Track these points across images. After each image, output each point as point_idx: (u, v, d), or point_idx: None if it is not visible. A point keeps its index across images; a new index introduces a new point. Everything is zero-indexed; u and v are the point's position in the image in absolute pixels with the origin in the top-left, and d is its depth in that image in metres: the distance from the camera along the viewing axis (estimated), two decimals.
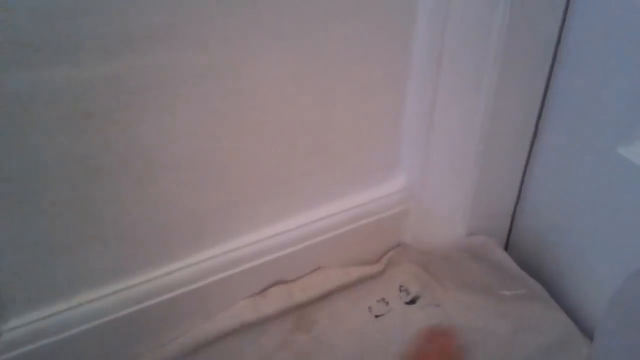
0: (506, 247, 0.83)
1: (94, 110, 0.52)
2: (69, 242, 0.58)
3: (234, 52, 0.56)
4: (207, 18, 0.52)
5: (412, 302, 0.77)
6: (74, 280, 0.60)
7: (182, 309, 0.67)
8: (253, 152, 0.64)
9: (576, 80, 0.65)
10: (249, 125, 0.62)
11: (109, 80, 0.51)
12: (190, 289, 0.66)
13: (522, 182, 0.77)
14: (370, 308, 0.76)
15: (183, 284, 0.65)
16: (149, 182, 0.59)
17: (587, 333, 0.69)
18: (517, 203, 0.79)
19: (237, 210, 0.67)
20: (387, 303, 0.77)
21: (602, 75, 0.62)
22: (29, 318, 0.59)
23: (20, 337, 0.58)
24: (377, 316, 0.75)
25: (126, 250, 0.62)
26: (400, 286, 0.79)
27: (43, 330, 0.59)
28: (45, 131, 0.51)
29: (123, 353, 0.65)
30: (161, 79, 0.53)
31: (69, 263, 0.59)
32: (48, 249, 0.57)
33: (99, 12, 0.47)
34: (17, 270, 0.56)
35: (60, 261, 0.58)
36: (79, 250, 0.59)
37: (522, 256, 0.80)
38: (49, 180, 0.53)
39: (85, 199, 0.56)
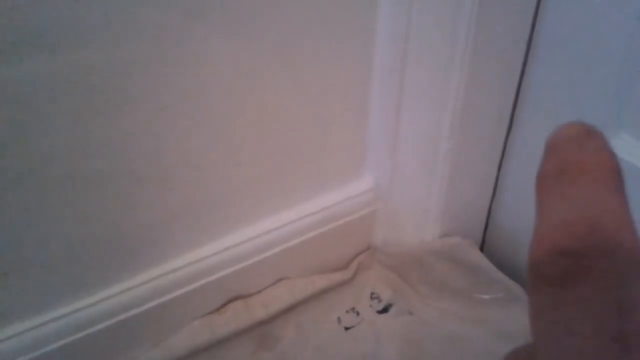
0: (482, 248, 0.79)
1: (19, 114, 0.44)
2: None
3: (190, 49, 0.49)
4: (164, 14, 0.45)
5: (385, 310, 0.72)
6: (5, 310, 0.53)
7: (127, 336, 0.60)
8: (203, 155, 0.57)
9: (553, 71, 0.60)
10: (198, 126, 0.55)
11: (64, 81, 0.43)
12: (135, 313, 0.59)
13: (497, 177, 0.72)
14: (339, 319, 0.71)
15: (125, 308, 0.58)
16: (80, 195, 0.52)
17: None
18: (492, 200, 0.74)
19: (187, 221, 0.60)
20: (358, 313, 0.71)
21: (580, 65, 0.57)
22: None
23: None
24: (347, 328, 0.70)
25: (55, 276, 0.54)
26: (372, 293, 0.74)
27: None
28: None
29: None
30: (117, 76, 0.46)
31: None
32: None
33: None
34: None
35: None
36: (8, 277, 0.52)
37: (500, 256, 0.75)
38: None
39: (6, 218, 0.49)
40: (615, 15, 0.52)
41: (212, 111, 0.55)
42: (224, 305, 0.66)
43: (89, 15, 0.44)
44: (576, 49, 0.56)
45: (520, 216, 0.71)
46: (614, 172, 0.16)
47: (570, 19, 0.56)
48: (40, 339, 0.55)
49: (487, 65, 0.60)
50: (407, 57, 0.61)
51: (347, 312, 0.71)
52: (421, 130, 0.65)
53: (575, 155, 0.16)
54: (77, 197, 0.51)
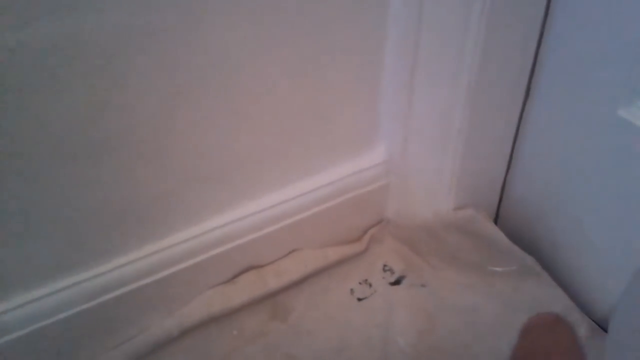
0: (496, 220, 0.78)
1: (18, 83, 0.44)
2: (15, 235, 0.51)
3: (199, 24, 0.49)
4: None
5: (397, 282, 0.72)
6: (20, 277, 0.54)
7: (144, 303, 0.61)
8: (220, 127, 0.57)
9: (572, 37, 0.59)
10: (216, 99, 0.55)
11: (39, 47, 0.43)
12: (151, 281, 0.59)
13: (513, 148, 0.71)
14: (352, 291, 0.71)
15: (142, 276, 0.59)
16: (94, 163, 0.52)
17: (585, 309, 0.64)
18: (507, 172, 0.73)
19: (202, 191, 0.61)
20: (370, 285, 0.71)
21: (601, 32, 0.55)
22: None
23: None
24: (359, 299, 0.70)
25: (75, 241, 0.55)
26: (384, 266, 0.74)
27: None
28: None
29: (76, 354, 0.59)
30: (110, 40, 0.46)
31: (9, 259, 0.52)
32: None
33: None
34: None
35: (6, 256, 0.52)
36: (17, 245, 0.52)
37: (514, 229, 0.74)
38: None
39: (16, 187, 0.49)
40: None
41: (227, 83, 0.55)
42: (237, 275, 0.67)
43: None
44: (600, 11, 0.55)
45: (535, 189, 0.70)
46: (579, 353, 0.18)
47: None
48: (56, 305, 0.56)
49: (503, 36, 0.59)
50: (421, 26, 0.60)
51: (360, 283, 0.71)
52: (435, 101, 0.64)
53: (548, 337, 0.18)
54: (92, 165, 0.52)
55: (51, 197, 0.51)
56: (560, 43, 0.60)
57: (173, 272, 0.61)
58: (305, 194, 0.68)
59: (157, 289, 0.60)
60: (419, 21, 0.60)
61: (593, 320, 0.64)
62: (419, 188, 0.73)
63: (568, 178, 0.64)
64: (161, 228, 0.60)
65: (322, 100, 0.63)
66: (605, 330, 0.63)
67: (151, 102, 0.51)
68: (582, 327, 0.62)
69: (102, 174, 0.53)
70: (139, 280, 0.59)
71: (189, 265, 0.62)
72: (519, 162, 0.71)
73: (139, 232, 0.59)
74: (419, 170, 0.71)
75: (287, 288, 0.68)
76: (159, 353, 0.61)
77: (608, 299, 0.64)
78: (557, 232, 0.68)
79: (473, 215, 0.71)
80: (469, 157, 0.68)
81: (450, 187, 0.70)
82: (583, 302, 0.65)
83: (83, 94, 0.47)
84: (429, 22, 0.59)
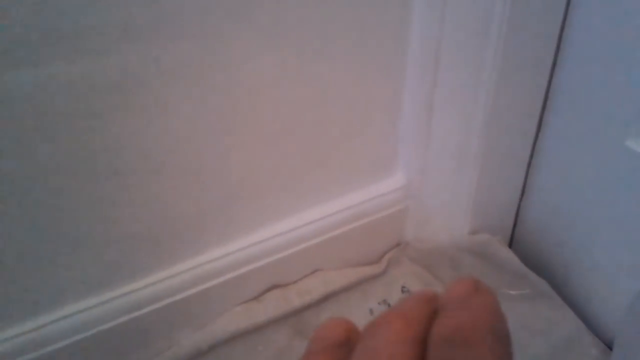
0: (511, 245, 0.81)
1: (74, 113, 0.49)
2: (45, 255, 0.55)
3: (229, 49, 0.53)
4: (205, 14, 0.49)
5: None
6: (60, 291, 0.57)
7: (174, 318, 0.64)
8: (246, 153, 0.61)
9: (582, 70, 0.62)
10: (242, 125, 0.59)
11: (100, 80, 0.48)
12: (182, 297, 0.63)
13: (527, 176, 0.74)
14: (371, 310, 0.73)
15: (174, 292, 0.62)
16: (138, 187, 0.56)
17: (596, 332, 0.67)
18: (521, 198, 0.76)
19: (231, 213, 0.64)
20: (389, 305, 0.74)
21: (609, 65, 0.59)
22: (5, 335, 0.55)
23: (4, 351, 0.55)
24: None
25: (110, 260, 0.58)
26: (402, 287, 0.76)
27: (21, 347, 0.56)
28: (16, 137, 0.48)
29: None
30: (156, 77, 0.50)
31: (55, 274, 0.56)
32: (33, 259, 0.54)
33: (95, 9, 0.45)
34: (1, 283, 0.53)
35: (46, 272, 0.55)
36: (55, 264, 0.56)
37: (528, 253, 0.77)
38: (27, 187, 0.50)
39: (65, 206, 0.53)
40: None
41: (252, 110, 0.59)
42: (262, 293, 0.70)
43: (138, 15, 0.48)
44: (608, 44, 0.58)
45: (548, 215, 0.73)
46: (499, 333, 0.18)
47: (602, 14, 0.58)
48: (93, 320, 0.59)
49: (517, 68, 0.63)
50: (440, 57, 0.64)
51: (379, 303, 0.74)
52: (452, 129, 0.68)
53: (466, 316, 0.18)
54: (127, 188, 0.56)
55: (94, 217, 0.55)
56: (571, 76, 0.64)
57: (203, 289, 0.64)
58: (327, 216, 0.72)
59: (188, 305, 0.64)
60: (437, 56, 0.64)
61: (604, 342, 0.66)
62: (436, 213, 0.76)
63: (578, 205, 0.67)
64: (192, 247, 0.64)
65: (344, 127, 0.67)
66: None
67: (187, 128, 0.56)
68: (594, 349, 0.64)
69: (141, 196, 0.57)
70: (172, 297, 0.62)
71: (217, 283, 0.65)
72: (533, 189, 0.74)
73: (172, 251, 0.62)
74: (436, 195, 0.74)
75: (310, 306, 0.71)
76: None
77: (618, 321, 0.66)
78: (569, 257, 0.71)
79: (488, 239, 0.74)
80: (485, 184, 0.71)
81: (467, 212, 0.73)
82: (594, 325, 0.68)
83: (127, 121, 0.52)
84: (447, 56, 0.63)
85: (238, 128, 0.59)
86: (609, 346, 0.66)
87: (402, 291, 0.76)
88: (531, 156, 0.72)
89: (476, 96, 0.64)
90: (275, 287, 0.71)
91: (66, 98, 0.48)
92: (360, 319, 0.72)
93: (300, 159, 0.66)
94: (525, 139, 0.70)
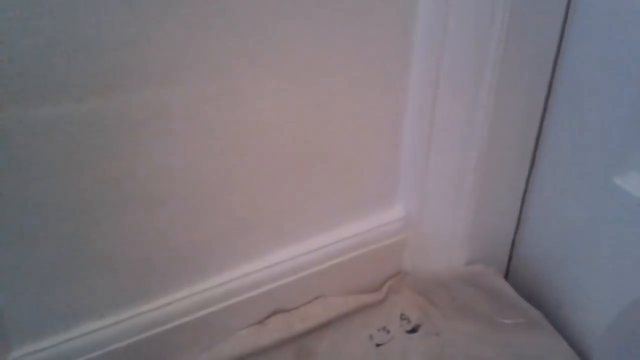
0: (506, 276, 0.84)
1: (91, 146, 0.53)
2: (68, 275, 0.58)
3: (227, 84, 0.57)
4: (198, 51, 0.54)
5: (414, 330, 0.77)
6: (73, 312, 0.61)
7: (182, 340, 0.67)
8: (249, 183, 0.65)
9: (572, 110, 0.67)
10: (244, 156, 0.63)
11: (104, 116, 0.52)
12: (190, 320, 0.66)
13: (521, 210, 0.78)
14: (371, 337, 0.76)
15: (182, 315, 0.66)
16: (146, 214, 0.60)
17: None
18: (516, 232, 0.80)
19: (235, 240, 0.68)
20: (388, 332, 0.77)
21: (598, 106, 0.63)
22: (32, 348, 0.59)
23: None
24: (378, 345, 0.75)
25: (124, 282, 0.62)
26: (401, 314, 0.79)
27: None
28: (45, 166, 0.52)
29: None
30: (156, 113, 0.55)
31: (71, 295, 0.59)
32: (51, 281, 0.57)
33: (93, 50, 0.49)
34: (22, 302, 0.57)
35: (63, 293, 0.59)
36: (77, 284, 0.59)
37: (522, 284, 0.80)
38: (50, 215, 0.54)
39: (84, 232, 0.57)
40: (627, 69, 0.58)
41: (257, 143, 0.63)
42: (266, 317, 0.73)
43: (159, 55, 0.52)
44: (598, 85, 0.62)
45: (541, 248, 0.76)
46: None
47: (592, 56, 0.62)
48: (106, 339, 0.62)
49: (511, 107, 0.67)
50: (437, 96, 0.68)
51: (379, 330, 0.77)
52: (449, 164, 0.72)
53: None
54: (138, 218, 0.59)
55: (109, 243, 0.59)
56: (563, 114, 0.68)
57: (210, 312, 0.67)
58: (328, 245, 0.75)
59: (196, 327, 0.67)
60: (435, 95, 0.68)
61: None
62: (434, 243, 0.79)
63: (569, 239, 0.71)
64: (200, 273, 0.67)
65: (347, 162, 0.71)
66: None
67: (194, 160, 0.60)
68: None
69: (151, 224, 0.61)
70: (181, 319, 0.65)
71: (223, 307, 0.68)
72: (527, 224, 0.78)
73: (181, 276, 0.66)
74: (434, 227, 0.78)
75: (311, 332, 0.73)
76: None
77: (598, 341, 0.68)
78: (561, 288, 0.74)
79: (484, 270, 0.77)
80: (480, 217, 0.74)
81: (463, 244, 0.77)
82: (585, 353, 0.70)
83: (142, 154, 0.56)
84: (444, 95, 0.67)
85: (242, 160, 0.63)
86: None
87: (402, 318, 0.78)
88: (525, 190, 0.76)
89: (472, 133, 0.68)
90: (278, 312, 0.74)
91: (77, 134, 0.52)
92: (361, 345, 0.74)
93: (303, 190, 0.70)
94: (519, 174, 0.74)
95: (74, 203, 0.55)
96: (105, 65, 0.50)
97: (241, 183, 0.64)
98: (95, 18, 0.48)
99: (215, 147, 0.60)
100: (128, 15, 0.49)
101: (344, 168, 0.72)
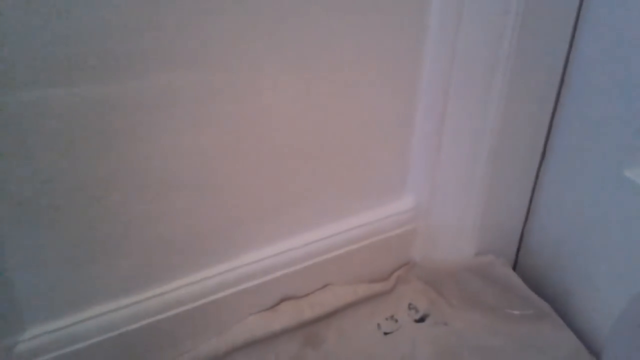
0: (514, 267, 0.84)
1: (104, 131, 0.54)
2: (83, 257, 0.59)
3: (239, 72, 0.58)
4: (212, 38, 0.55)
5: (421, 320, 0.78)
6: (87, 294, 0.62)
7: (193, 324, 0.68)
8: (263, 170, 0.66)
9: (583, 103, 0.67)
10: (257, 143, 0.64)
11: (118, 101, 0.53)
12: (201, 304, 0.67)
13: (530, 202, 0.78)
14: (379, 325, 0.77)
15: (194, 299, 0.67)
16: (158, 200, 0.60)
17: (595, 353, 0.70)
18: (525, 223, 0.80)
19: (247, 227, 0.69)
20: (396, 320, 0.77)
21: (609, 98, 0.63)
22: (45, 329, 0.60)
23: (36, 347, 0.59)
24: (386, 333, 0.76)
25: (137, 266, 0.63)
26: (410, 304, 0.80)
27: (58, 341, 0.60)
28: (58, 151, 0.53)
29: None
30: (168, 99, 0.55)
31: (83, 277, 0.60)
32: (64, 264, 0.58)
33: (109, 35, 0.50)
34: (36, 284, 0.58)
35: (75, 276, 0.60)
36: (92, 265, 0.60)
37: (531, 276, 0.80)
38: (64, 200, 0.55)
39: (97, 217, 0.58)
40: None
41: (272, 133, 0.64)
42: (276, 304, 0.74)
43: (180, 42, 0.53)
44: (608, 79, 0.63)
45: (549, 240, 0.77)
46: None
47: (602, 52, 0.63)
48: (119, 321, 0.63)
49: (522, 100, 0.67)
50: (450, 87, 0.68)
51: (387, 319, 0.77)
52: (460, 155, 0.72)
53: None
54: (155, 201, 0.60)
55: (125, 226, 0.60)
56: (573, 108, 0.68)
57: (221, 297, 0.68)
58: (339, 234, 0.76)
59: (207, 312, 0.68)
60: (446, 88, 0.68)
61: None
62: (444, 234, 0.80)
63: (578, 231, 0.71)
64: (213, 257, 0.68)
65: (359, 153, 0.72)
66: None
67: (212, 147, 0.61)
68: None
69: (168, 208, 0.62)
70: (193, 302, 0.66)
71: (235, 292, 0.69)
72: (536, 216, 0.78)
73: (194, 260, 0.67)
74: (444, 217, 0.78)
75: (320, 319, 0.74)
76: None
77: (607, 334, 0.69)
78: (569, 280, 0.74)
79: (493, 261, 0.77)
80: (490, 209, 0.75)
81: (473, 235, 0.77)
82: (592, 344, 0.71)
83: (164, 140, 0.57)
84: (456, 87, 0.68)
85: (256, 148, 0.64)
86: None
87: (409, 308, 0.79)
88: (535, 182, 0.76)
89: (483, 125, 0.69)
90: (288, 298, 0.75)
91: (92, 117, 0.53)
92: (369, 333, 0.75)
93: (315, 179, 0.71)
94: (529, 165, 0.74)
95: (89, 188, 0.56)
96: (121, 50, 0.51)
97: (254, 171, 0.65)
98: (116, 2, 0.48)
99: (226, 133, 0.61)
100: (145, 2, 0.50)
101: (355, 158, 0.72)
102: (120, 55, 0.51)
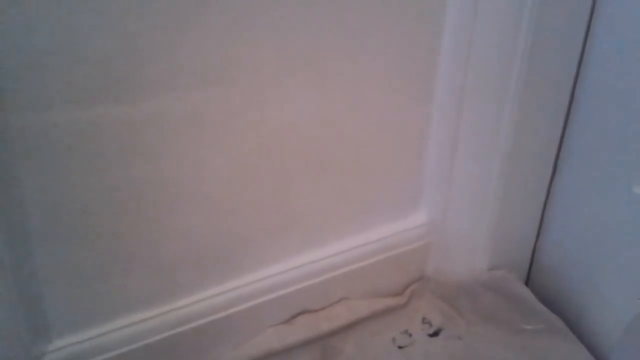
0: (527, 282, 0.85)
1: (128, 146, 0.56)
2: (109, 271, 0.61)
3: (249, 90, 0.60)
4: (228, 56, 0.57)
5: (435, 334, 0.79)
6: (113, 306, 0.64)
7: (211, 337, 0.69)
8: (280, 186, 0.68)
9: (594, 118, 0.68)
10: (274, 158, 0.66)
11: (142, 120, 0.55)
12: (219, 317, 0.69)
13: (542, 217, 0.79)
14: (393, 339, 0.78)
15: (212, 312, 0.68)
16: (180, 213, 0.62)
17: None
18: (537, 238, 0.81)
19: (265, 242, 0.71)
20: (410, 335, 0.79)
21: (620, 114, 0.64)
22: (71, 340, 0.62)
23: (62, 358, 0.61)
24: (400, 347, 0.77)
25: (159, 279, 0.65)
26: (423, 318, 0.81)
27: (84, 352, 0.62)
28: (84, 167, 0.55)
29: None
30: (187, 117, 0.58)
31: (109, 290, 0.62)
32: (90, 276, 0.60)
33: (131, 57, 0.52)
34: (63, 295, 0.60)
35: (102, 288, 0.62)
36: (118, 278, 0.62)
37: (543, 290, 0.81)
38: (90, 214, 0.57)
39: (124, 231, 0.60)
40: None
41: (288, 147, 0.66)
42: (293, 317, 0.75)
43: (191, 62, 0.56)
44: (619, 96, 0.64)
45: (562, 256, 0.78)
46: None
47: (613, 69, 0.64)
48: (143, 332, 0.65)
49: (535, 115, 0.69)
50: (463, 102, 0.70)
51: (401, 333, 0.79)
52: (473, 171, 0.74)
53: None
54: (173, 217, 0.62)
55: (146, 241, 0.62)
56: (584, 123, 0.69)
57: (239, 310, 0.70)
58: (354, 248, 0.77)
59: (225, 325, 0.69)
60: (460, 103, 0.70)
61: None
62: (457, 249, 0.81)
63: (591, 246, 0.72)
64: (231, 272, 0.70)
65: (374, 168, 0.74)
66: None
67: (230, 164, 0.63)
68: None
69: (187, 224, 0.64)
70: (211, 315, 0.68)
71: (252, 305, 0.71)
72: (548, 231, 0.79)
73: (213, 274, 0.68)
74: (457, 232, 0.80)
75: (336, 332, 0.76)
76: None
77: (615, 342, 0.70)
78: (581, 295, 0.75)
79: (505, 275, 0.79)
80: (503, 224, 0.76)
81: (485, 249, 0.78)
82: (605, 359, 0.72)
83: (171, 158, 0.59)
84: (469, 102, 0.69)
85: (271, 165, 0.66)
86: None
87: (423, 322, 0.80)
88: (547, 197, 0.77)
89: (496, 140, 0.70)
90: (305, 311, 0.76)
91: (108, 136, 0.55)
92: (384, 347, 0.76)
93: (329, 195, 0.72)
94: (541, 182, 0.76)
95: (115, 203, 0.58)
96: (142, 71, 0.53)
97: (270, 187, 0.67)
98: (136, 23, 0.51)
99: (245, 149, 0.63)
100: (164, 20, 0.52)
101: (369, 173, 0.74)
102: (137, 77, 0.53)
